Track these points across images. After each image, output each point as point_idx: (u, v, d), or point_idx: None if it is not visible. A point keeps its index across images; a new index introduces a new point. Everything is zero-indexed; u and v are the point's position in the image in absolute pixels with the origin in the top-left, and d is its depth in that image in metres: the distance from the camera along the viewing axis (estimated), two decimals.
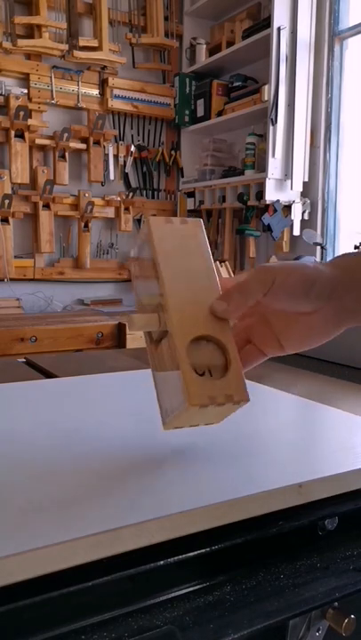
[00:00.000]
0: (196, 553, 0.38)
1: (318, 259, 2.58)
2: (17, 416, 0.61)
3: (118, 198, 3.07)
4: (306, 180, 2.58)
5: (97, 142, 2.97)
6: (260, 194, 2.59)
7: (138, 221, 3.21)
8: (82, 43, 2.82)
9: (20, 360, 1.07)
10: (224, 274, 2.57)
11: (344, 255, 0.50)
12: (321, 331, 0.49)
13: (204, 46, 3.09)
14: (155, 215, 3.23)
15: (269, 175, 2.50)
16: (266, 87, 2.54)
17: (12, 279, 2.83)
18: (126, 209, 3.09)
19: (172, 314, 0.45)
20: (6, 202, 2.74)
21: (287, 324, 0.50)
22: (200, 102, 3.09)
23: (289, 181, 2.54)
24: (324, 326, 0.49)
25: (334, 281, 0.47)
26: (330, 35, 2.58)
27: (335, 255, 2.81)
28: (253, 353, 0.51)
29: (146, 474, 0.44)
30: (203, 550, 0.38)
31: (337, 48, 2.59)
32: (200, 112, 3.10)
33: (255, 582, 0.40)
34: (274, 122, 2.47)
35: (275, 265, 0.47)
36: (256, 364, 0.52)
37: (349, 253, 0.50)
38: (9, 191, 2.77)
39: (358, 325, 0.49)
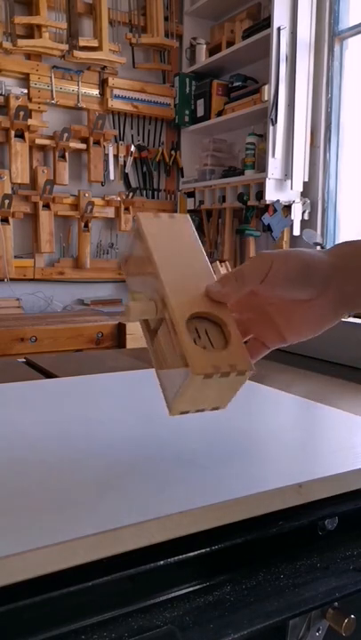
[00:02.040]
0: (196, 553, 0.38)
1: None
2: (17, 416, 0.61)
3: (118, 198, 3.07)
4: (306, 180, 2.58)
5: (97, 142, 2.97)
6: (260, 194, 2.59)
7: None
8: (82, 43, 2.82)
9: (20, 360, 1.07)
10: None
11: (342, 243, 0.50)
12: (321, 318, 0.49)
13: (204, 46, 3.09)
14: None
15: (269, 175, 2.50)
16: (266, 87, 2.54)
17: (12, 279, 2.83)
18: (126, 209, 3.09)
19: (169, 295, 0.45)
20: (6, 202, 2.74)
21: (287, 314, 0.50)
22: (200, 102, 3.09)
23: (289, 181, 2.54)
24: (324, 313, 0.49)
25: (332, 268, 0.47)
26: (330, 35, 2.58)
27: None
28: (256, 346, 0.52)
29: (146, 474, 0.44)
30: (203, 550, 0.38)
31: (337, 48, 2.59)
32: (200, 112, 3.10)
33: (255, 582, 0.40)
34: (274, 122, 2.47)
35: (272, 252, 0.47)
36: (260, 356, 0.52)
37: (347, 242, 0.50)
38: (9, 191, 2.77)
39: (357, 311, 0.50)
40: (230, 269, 2.68)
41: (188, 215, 0.52)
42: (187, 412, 0.46)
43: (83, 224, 2.98)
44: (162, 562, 0.37)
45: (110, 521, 0.36)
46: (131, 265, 0.52)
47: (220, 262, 2.63)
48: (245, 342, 0.50)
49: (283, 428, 0.59)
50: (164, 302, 0.45)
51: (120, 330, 2.47)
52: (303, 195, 2.62)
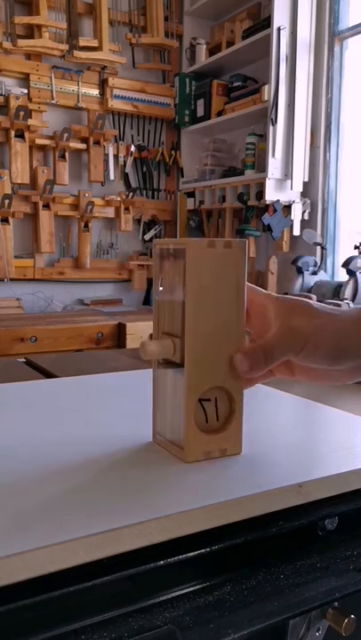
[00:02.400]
0: (196, 553, 0.38)
1: (318, 259, 2.58)
2: (17, 416, 0.61)
3: (118, 198, 3.07)
4: (306, 179, 2.58)
5: (97, 142, 2.98)
6: (260, 194, 2.59)
7: (138, 221, 3.21)
8: (82, 43, 2.82)
9: (20, 360, 1.07)
10: None
11: None
12: (338, 379, 0.49)
13: (204, 46, 3.09)
14: (155, 215, 3.23)
15: (269, 175, 2.50)
16: (266, 87, 2.54)
17: (12, 279, 2.83)
18: (126, 209, 3.09)
19: (189, 359, 0.45)
20: (6, 202, 2.74)
21: (310, 372, 0.49)
22: (200, 102, 3.09)
23: (289, 181, 2.54)
24: (343, 376, 0.48)
25: (358, 338, 0.45)
26: (330, 35, 2.58)
27: (335, 255, 2.78)
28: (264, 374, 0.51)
29: (146, 474, 0.44)
30: (203, 550, 0.38)
31: (337, 48, 2.59)
32: (200, 112, 3.10)
33: (255, 582, 0.40)
34: (274, 122, 2.47)
35: (307, 328, 0.45)
36: (263, 382, 0.51)
37: None
38: (9, 191, 2.77)
39: None
40: None
41: (245, 243, 0.47)
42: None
43: (83, 224, 2.98)
44: (162, 562, 0.37)
45: (110, 521, 0.36)
46: (165, 269, 0.48)
47: None
48: None
49: (283, 428, 0.59)
50: (183, 357, 0.45)
51: (120, 330, 2.47)
52: (303, 195, 2.62)
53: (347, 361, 0.46)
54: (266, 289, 0.52)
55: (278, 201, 2.55)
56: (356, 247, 2.31)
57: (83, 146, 2.94)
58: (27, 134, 2.79)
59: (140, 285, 3.18)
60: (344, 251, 2.62)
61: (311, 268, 2.51)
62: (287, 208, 2.59)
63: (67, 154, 2.91)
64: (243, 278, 0.46)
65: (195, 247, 0.44)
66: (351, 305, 2.17)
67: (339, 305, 2.09)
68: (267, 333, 0.47)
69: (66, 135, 2.84)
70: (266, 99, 2.54)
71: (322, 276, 2.55)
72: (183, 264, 0.44)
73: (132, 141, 3.15)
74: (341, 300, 2.21)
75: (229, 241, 0.46)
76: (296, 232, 2.62)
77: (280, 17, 2.44)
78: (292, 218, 2.59)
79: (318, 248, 2.61)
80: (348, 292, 2.28)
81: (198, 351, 0.45)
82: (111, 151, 3.05)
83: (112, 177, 3.08)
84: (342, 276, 2.43)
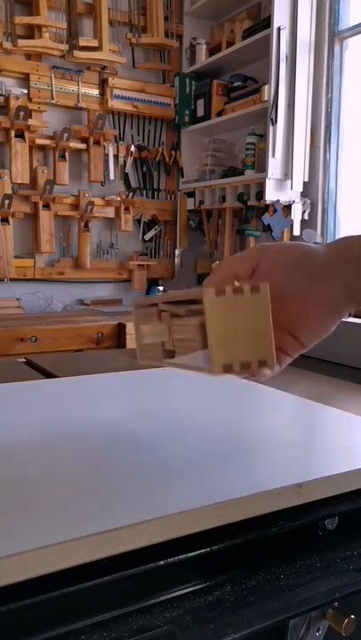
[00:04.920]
0: (196, 553, 0.38)
1: None
2: (17, 416, 0.61)
3: (118, 198, 3.07)
4: (306, 180, 2.58)
5: (97, 142, 2.97)
6: (260, 194, 2.59)
7: (138, 221, 3.21)
8: (82, 43, 2.82)
9: (20, 360, 1.07)
10: None
11: (341, 238, 0.50)
12: (330, 313, 0.49)
13: (204, 46, 3.09)
14: (155, 215, 3.23)
15: (269, 175, 2.50)
16: (266, 87, 2.54)
17: (12, 279, 2.83)
18: (126, 209, 3.09)
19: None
20: (6, 202, 2.74)
21: (297, 317, 0.50)
22: (200, 102, 3.09)
23: (289, 181, 2.54)
24: (332, 308, 0.49)
25: (328, 255, 0.48)
26: (330, 35, 2.58)
27: None
28: (277, 356, 0.51)
29: (146, 474, 0.44)
30: (203, 550, 0.38)
31: (337, 48, 2.59)
32: (200, 112, 3.10)
33: (255, 582, 0.40)
34: (274, 122, 2.47)
35: (268, 243, 0.50)
36: (283, 366, 0.51)
37: (345, 236, 0.50)
38: (9, 191, 2.77)
39: None
40: None
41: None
42: (230, 368, 0.42)
43: (83, 224, 2.98)
44: (162, 562, 0.37)
45: (110, 521, 0.36)
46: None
47: None
48: None
49: (283, 427, 0.59)
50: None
51: (120, 330, 2.47)
52: (303, 195, 2.62)
53: (311, 267, 0.48)
54: None
55: (278, 201, 2.55)
56: None
57: (83, 146, 2.94)
58: (27, 134, 2.79)
59: (140, 285, 3.18)
60: None
61: None
62: (287, 208, 2.59)
63: (67, 154, 2.91)
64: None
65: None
66: None
67: None
68: None
69: (66, 135, 2.84)
70: (266, 99, 2.54)
71: None
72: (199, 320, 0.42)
73: (132, 141, 3.15)
74: None
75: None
76: (296, 232, 2.62)
77: (280, 17, 2.44)
78: (292, 218, 2.59)
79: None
80: None
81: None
82: (111, 151, 3.05)
83: (112, 177, 3.07)
84: None
